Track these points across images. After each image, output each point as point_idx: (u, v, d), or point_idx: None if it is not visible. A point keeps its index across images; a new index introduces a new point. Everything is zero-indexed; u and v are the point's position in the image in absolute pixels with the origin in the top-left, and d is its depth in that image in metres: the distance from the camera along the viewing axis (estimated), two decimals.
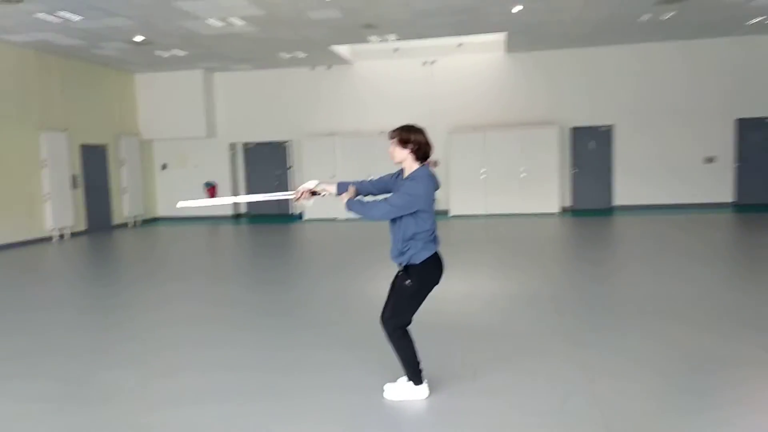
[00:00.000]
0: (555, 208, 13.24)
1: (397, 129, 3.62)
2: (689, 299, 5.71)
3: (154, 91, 14.75)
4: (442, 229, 12.61)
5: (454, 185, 13.67)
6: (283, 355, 4.56)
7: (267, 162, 15.41)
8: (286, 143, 15.12)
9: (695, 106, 13.08)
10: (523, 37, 12.19)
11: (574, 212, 13.44)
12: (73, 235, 12.32)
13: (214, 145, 15.11)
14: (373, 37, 12.00)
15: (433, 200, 3.56)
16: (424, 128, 3.65)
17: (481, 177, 13.53)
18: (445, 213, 13.98)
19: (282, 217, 15.01)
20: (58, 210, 11.85)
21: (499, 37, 12.83)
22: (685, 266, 7.28)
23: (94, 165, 13.23)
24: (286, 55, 13.18)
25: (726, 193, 13.12)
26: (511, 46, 13.07)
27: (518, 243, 9.81)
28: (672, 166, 13.23)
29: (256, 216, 15.40)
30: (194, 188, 15.15)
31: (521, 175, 13.32)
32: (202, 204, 4.29)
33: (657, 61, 13.17)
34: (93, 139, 13.20)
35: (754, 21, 11.31)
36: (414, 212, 3.50)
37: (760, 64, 12.75)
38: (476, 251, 9.09)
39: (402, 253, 3.58)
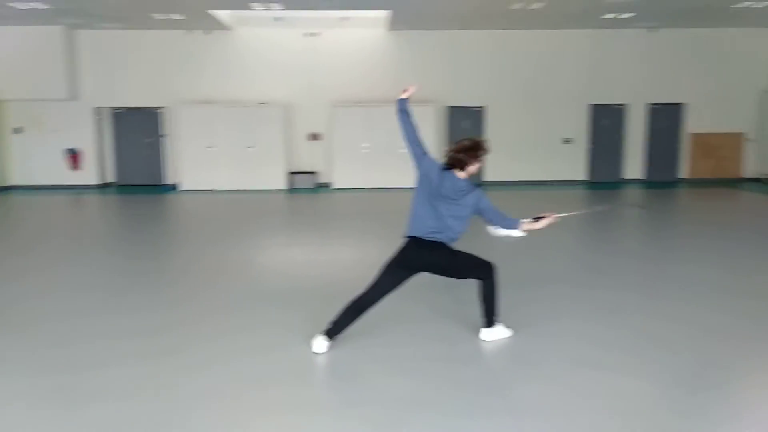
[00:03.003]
0: None
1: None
2: (570, 266, 6.41)
3: (4, 47, 13.26)
4: (326, 202, 12.73)
5: (337, 158, 13.86)
6: (205, 320, 4.52)
7: (138, 129, 14.54)
8: (160, 110, 14.36)
9: (556, 91, 14.30)
10: (406, 16, 12.54)
11: None
12: None
13: (77, 108, 13.95)
14: (256, 4, 11.71)
15: None
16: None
17: (363, 151, 13.85)
18: (327, 186, 14.16)
19: (154, 187, 14.30)
20: None
21: (382, 14, 13.08)
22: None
23: None
24: (160, 16, 12.45)
25: (580, 172, 14.57)
26: (393, 24, 13.39)
27: (403, 214, 10.24)
28: (536, 145, 14.41)
29: (125, 186, 14.52)
30: (53, 155, 13.95)
31: (400, 151, 13.77)
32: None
33: (525, 47, 14.17)
34: None
35: (609, 16, 12.56)
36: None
37: (611, 56, 14.20)
38: (362, 222, 9.40)
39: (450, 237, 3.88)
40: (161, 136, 14.41)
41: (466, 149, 3.79)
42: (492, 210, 3.87)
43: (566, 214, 4.16)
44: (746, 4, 11.48)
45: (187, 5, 11.36)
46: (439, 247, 3.83)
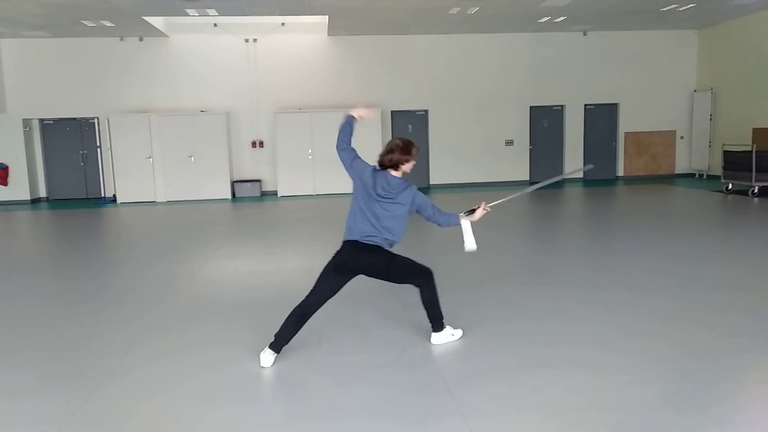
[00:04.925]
0: None
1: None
2: (506, 263, 6.48)
3: None
4: (272, 210, 12.50)
5: (282, 166, 13.67)
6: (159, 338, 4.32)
7: (70, 140, 13.96)
8: (93, 120, 13.82)
9: (497, 94, 14.57)
10: (345, 21, 12.52)
11: None
12: None
13: (3, 120, 13.27)
14: (191, 11, 11.46)
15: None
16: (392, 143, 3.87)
17: (309, 158, 13.71)
18: (274, 194, 13.96)
19: (91, 200, 13.74)
20: None
21: (322, 20, 13.02)
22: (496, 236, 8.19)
23: None
24: (90, 24, 12.00)
25: (523, 172, 14.88)
26: (333, 29, 13.34)
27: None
28: (479, 147, 14.63)
29: (58, 200, 13.90)
30: None
31: None
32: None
33: (465, 51, 14.39)
34: None
35: (544, 20, 12.90)
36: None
37: (548, 58, 14.59)
38: (309, 229, 9.28)
39: (387, 240, 3.82)
40: (97, 147, 13.86)
41: (399, 148, 3.79)
42: (429, 205, 3.87)
43: (499, 201, 4.18)
44: (672, 6, 12.03)
45: (119, 12, 10.99)
46: (376, 250, 3.79)
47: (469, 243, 4.00)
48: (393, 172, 3.81)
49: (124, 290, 5.83)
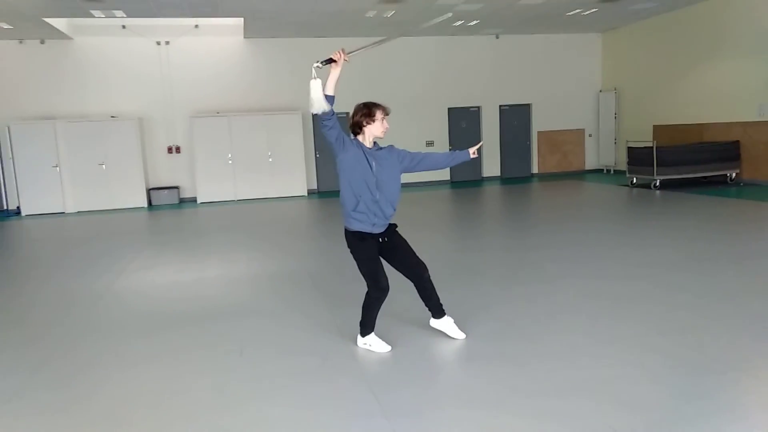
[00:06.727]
0: (303, 191, 13.82)
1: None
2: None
3: None
4: (191, 218, 12.06)
5: (200, 171, 13.29)
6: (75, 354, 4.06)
7: None
8: None
9: (416, 96, 14.80)
10: (261, 24, 12.34)
11: (320, 194, 14.17)
12: None
13: None
14: (96, 12, 10.94)
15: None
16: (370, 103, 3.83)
17: (229, 162, 13.40)
18: (193, 200, 13.55)
19: None
20: None
21: (237, 22, 12.77)
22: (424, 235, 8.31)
23: None
24: None
25: (444, 172, 15.19)
26: (249, 32, 13.12)
27: (273, 225, 10.03)
28: (410, 149, 14.75)
29: None
30: None
31: (269, 160, 13.56)
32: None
33: (383, 54, 14.49)
34: None
35: (458, 23, 13.23)
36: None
37: (463, 61, 14.98)
38: (230, 236, 9.07)
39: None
40: None
41: (359, 109, 3.78)
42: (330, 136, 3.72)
43: (358, 50, 4.04)
44: (576, 11, 12.66)
45: (17, 13, 10.33)
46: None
47: (318, 105, 3.67)
48: (360, 138, 3.82)
49: (25, 308, 5.48)
